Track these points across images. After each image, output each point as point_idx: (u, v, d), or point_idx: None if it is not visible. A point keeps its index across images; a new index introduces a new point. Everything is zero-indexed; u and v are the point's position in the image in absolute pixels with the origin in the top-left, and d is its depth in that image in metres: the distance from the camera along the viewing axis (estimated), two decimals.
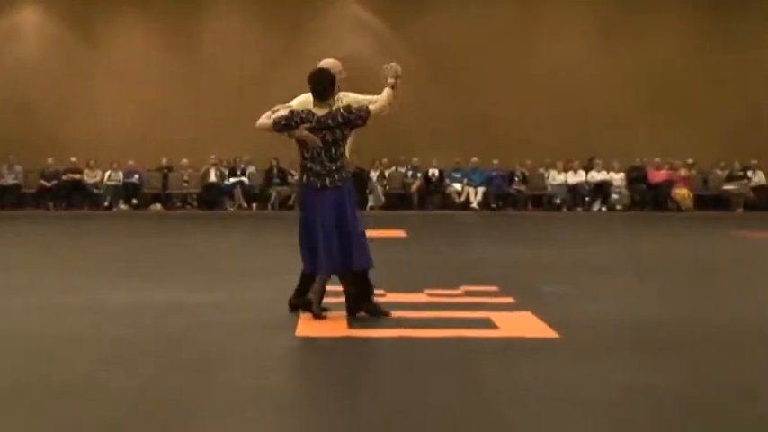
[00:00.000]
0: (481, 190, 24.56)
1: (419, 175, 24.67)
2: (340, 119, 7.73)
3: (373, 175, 24.62)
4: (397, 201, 24.59)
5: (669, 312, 8.29)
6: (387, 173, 24.80)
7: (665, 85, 25.08)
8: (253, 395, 5.33)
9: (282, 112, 7.91)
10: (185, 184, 24.53)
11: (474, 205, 24.38)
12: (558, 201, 24.60)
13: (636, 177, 24.73)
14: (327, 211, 7.67)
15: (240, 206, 24.08)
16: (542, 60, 25.40)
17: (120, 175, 24.33)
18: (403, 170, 24.99)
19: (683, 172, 24.59)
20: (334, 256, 7.64)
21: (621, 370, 6.03)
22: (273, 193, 24.17)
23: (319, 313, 7.66)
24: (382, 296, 8.86)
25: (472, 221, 20.94)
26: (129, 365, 6.10)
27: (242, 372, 5.93)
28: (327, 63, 8.17)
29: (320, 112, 7.77)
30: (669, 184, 24.49)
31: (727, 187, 24.76)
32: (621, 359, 6.39)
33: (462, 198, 24.56)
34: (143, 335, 7.12)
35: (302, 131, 7.74)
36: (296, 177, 8.20)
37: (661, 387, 5.57)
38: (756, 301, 9.16)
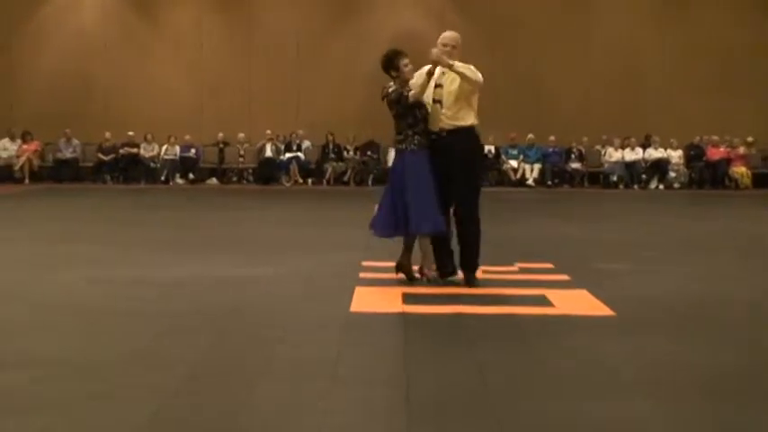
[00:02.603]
0: (537, 167, 24.44)
1: None
2: (392, 98, 8.30)
3: None
4: None
5: (724, 291, 8.24)
6: None
7: (725, 60, 24.71)
8: (309, 368, 5.39)
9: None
10: (241, 159, 24.69)
11: (530, 182, 24.27)
12: (614, 178, 24.40)
13: (694, 155, 24.46)
14: (394, 176, 8.37)
15: (296, 181, 24.18)
16: (601, 34, 25.16)
17: (177, 149, 24.52)
18: None
19: (741, 150, 24.27)
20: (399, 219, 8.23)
21: (676, 349, 6.02)
22: (329, 168, 24.25)
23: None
24: (437, 271, 8.90)
25: (528, 198, 20.86)
26: (187, 338, 6.20)
27: (298, 345, 6.00)
28: (442, 36, 8.64)
29: (391, 87, 8.37)
30: (727, 161, 24.20)
31: None
32: (676, 338, 6.37)
33: (518, 175, 24.46)
34: (201, 308, 7.22)
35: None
36: None
37: (714, 366, 5.56)
38: None
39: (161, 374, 5.25)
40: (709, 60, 24.74)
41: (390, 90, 8.30)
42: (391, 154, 24.43)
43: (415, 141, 8.20)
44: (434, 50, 8.28)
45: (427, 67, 8.26)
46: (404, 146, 8.26)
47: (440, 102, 8.28)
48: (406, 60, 8.35)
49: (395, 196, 8.26)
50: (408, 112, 8.20)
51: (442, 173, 8.15)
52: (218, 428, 4.37)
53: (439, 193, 8.11)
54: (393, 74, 8.36)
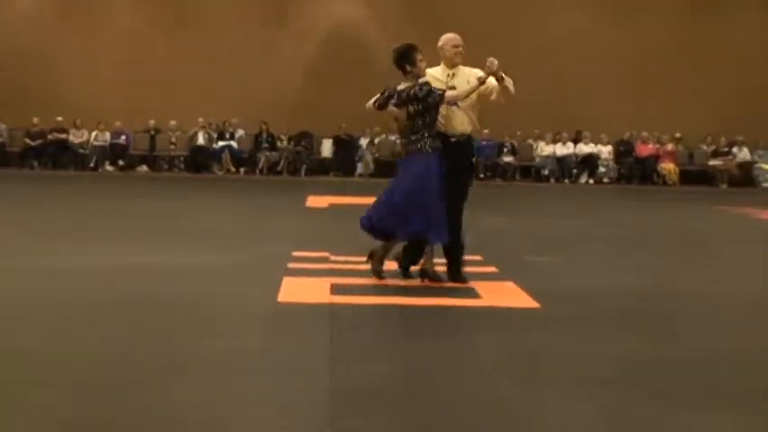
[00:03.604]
0: None
1: None
2: (413, 94, 7.85)
3: (363, 141, 24.59)
4: (387, 168, 24.53)
5: (648, 284, 8.36)
6: (377, 140, 24.76)
7: (655, 59, 25.04)
8: (233, 360, 5.36)
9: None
10: (173, 147, 24.46)
11: None
12: (545, 172, 24.63)
13: (623, 151, 24.79)
14: (406, 179, 7.90)
15: (228, 170, 24.03)
16: (534, 32, 25.32)
17: (107, 135, 24.23)
18: (393, 138, 24.93)
19: (669, 146, 24.65)
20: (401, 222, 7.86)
21: (599, 341, 6.09)
22: (262, 157, 24.13)
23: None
24: (367, 263, 8.91)
25: None
26: (107, 329, 6.11)
27: (223, 336, 5.96)
28: (445, 38, 8.38)
29: (402, 86, 7.98)
30: (656, 158, 24.56)
31: (713, 163, 24.84)
32: (600, 331, 6.45)
33: None
34: (123, 299, 7.12)
35: (392, 107, 8.00)
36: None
37: (636, 359, 5.64)
38: (734, 274, 9.25)
39: (77, 368, 5.16)
40: (640, 59, 25.03)
41: (416, 85, 7.85)
42: (326, 144, 24.69)
43: (429, 143, 7.88)
44: (493, 59, 8.10)
45: (478, 75, 8.07)
46: (419, 146, 7.86)
47: (456, 105, 8.07)
48: (420, 55, 8.03)
49: (402, 196, 7.89)
50: (427, 112, 7.87)
51: (446, 177, 7.91)
52: (137, 422, 4.32)
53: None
54: (408, 68, 7.95)
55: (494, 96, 8.20)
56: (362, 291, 7.53)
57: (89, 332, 6.02)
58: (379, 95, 8.12)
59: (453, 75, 8.12)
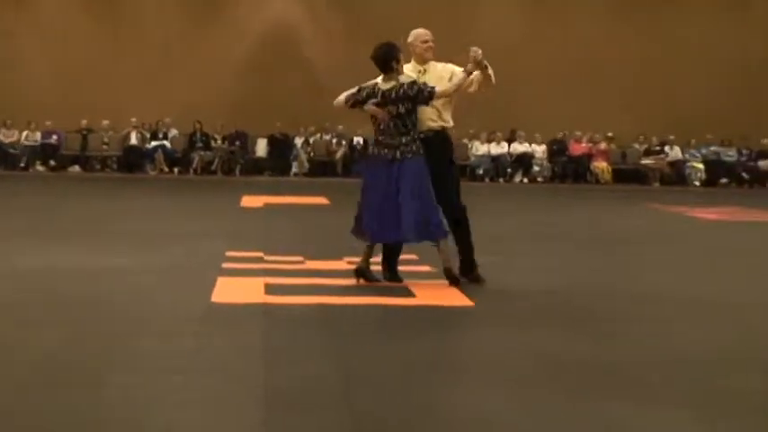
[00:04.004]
0: None
1: (344, 142, 24.63)
2: (402, 93, 7.71)
3: (298, 141, 24.53)
4: (322, 168, 24.55)
5: (585, 283, 8.43)
6: (311, 139, 24.71)
7: (588, 58, 25.28)
8: (164, 361, 5.30)
9: (353, 89, 7.96)
10: (105, 147, 24.17)
11: None
12: (480, 171, 24.77)
13: (557, 150, 25.03)
14: (396, 182, 7.69)
15: (161, 170, 23.82)
16: (468, 30, 25.41)
17: (38, 135, 23.89)
18: (328, 137, 24.93)
19: (602, 145, 24.93)
20: (409, 225, 7.68)
21: (532, 339, 6.13)
22: (196, 157, 23.94)
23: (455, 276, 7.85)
24: (302, 263, 8.90)
25: None
26: (36, 331, 6.01)
27: (155, 337, 5.89)
28: (415, 33, 8.24)
29: (385, 85, 7.80)
30: (589, 157, 24.82)
31: (645, 161, 25.17)
32: (533, 329, 6.49)
33: None
34: (54, 299, 7.02)
35: (370, 106, 7.78)
36: (369, 149, 8.22)
37: (570, 357, 5.68)
38: (669, 272, 9.37)
39: (3, 369, 5.07)
40: (574, 58, 25.26)
41: (403, 84, 7.70)
42: (260, 144, 24.58)
43: (417, 144, 7.77)
44: (477, 49, 7.95)
45: (465, 67, 7.97)
46: (413, 147, 7.71)
47: None
48: (401, 54, 7.93)
49: (388, 199, 7.72)
50: (415, 111, 7.76)
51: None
52: (65, 425, 4.24)
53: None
54: (394, 66, 7.81)
55: (473, 88, 8.05)
56: (296, 291, 7.49)
57: (17, 333, 5.92)
58: (352, 92, 7.94)
59: (425, 71, 8.03)
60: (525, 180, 24.64)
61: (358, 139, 24.63)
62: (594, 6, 25.90)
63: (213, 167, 24.02)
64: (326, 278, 8.06)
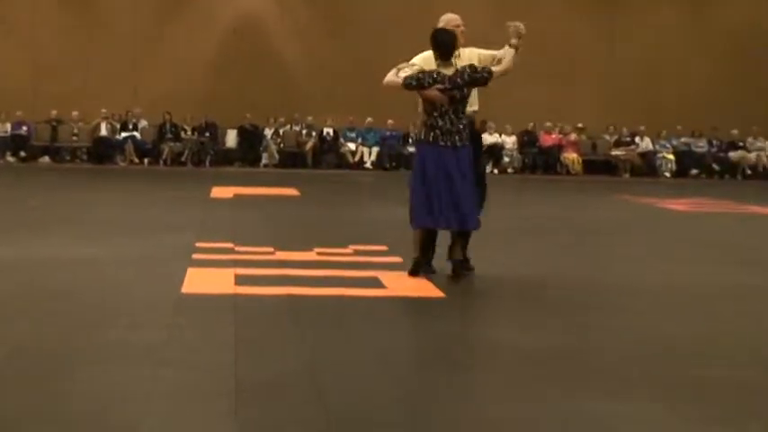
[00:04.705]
0: (375, 150, 24.60)
1: (314, 133, 24.58)
2: (467, 77, 7.70)
3: (267, 132, 24.46)
4: (291, 159, 24.49)
5: (554, 274, 8.45)
6: (281, 131, 24.64)
7: (557, 49, 25.31)
8: (134, 352, 5.28)
9: (409, 70, 7.84)
10: (75, 138, 24.00)
11: (368, 165, 24.42)
12: None
13: (527, 141, 25.07)
14: (457, 169, 7.66)
15: (131, 161, 23.68)
16: (437, 21, 25.41)
17: (8, 126, 23.70)
18: (297, 128, 24.87)
19: (572, 136, 25.00)
20: (463, 213, 7.65)
21: (503, 330, 6.15)
22: (166, 148, 23.82)
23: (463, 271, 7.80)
24: (272, 254, 8.87)
25: (365, 181, 20.98)
26: (5, 322, 5.98)
27: (125, 328, 5.86)
28: (446, 18, 8.18)
29: (447, 71, 7.74)
30: (559, 148, 24.89)
31: (615, 152, 25.26)
32: (504, 319, 6.51)
33: (356, 158, 24.57)
34: (21, 291, 6.98)
35: (433, 91, 7.69)
36: (416, 134, 8.03)
37: (541, 348, 5.70)
38: (637, 263, 9.41)
39: None
40: (545, 49, 25.29)
41: (466, 68, 7.70)
42: (230, 135, 24.49)
43: (468, 130, 7.81)
44: (519, 23, 8.01)
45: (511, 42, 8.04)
46: (467, 133, 7.76)
47: None
48: None
49: (442, 185, 7.67)
50: (469, 96, 7.81)
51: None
52: (34, 418, 4.21)
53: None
54: (455, 53, 7.83)
55: (502, 67, 7.98)
56: (267, 281, 7.47)
57: None
58: (410, 74, 7.76)
59: (458, 55, 7.97)
60: (495, 171, 24.66)
61: (328, 130, 24.61)
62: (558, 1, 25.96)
63: (183, 158, 23.90)
64: (297, 269, 8.05)
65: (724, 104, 25.35)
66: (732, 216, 15.18)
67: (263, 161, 24.27)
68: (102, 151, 23.75)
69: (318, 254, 8.96)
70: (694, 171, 25.24)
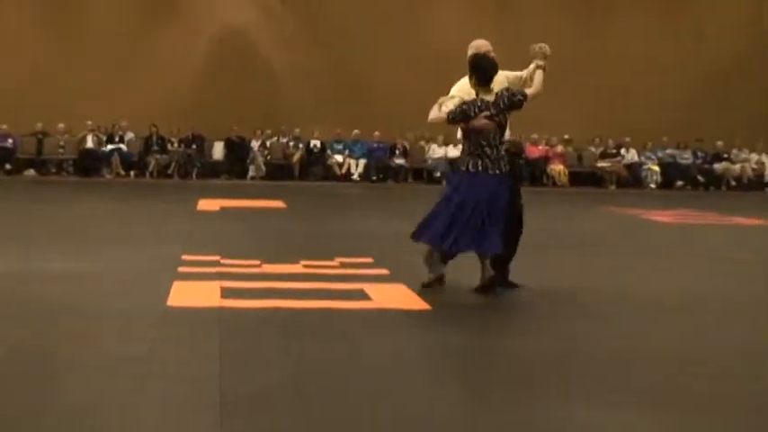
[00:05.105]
0: (362, 162, 24.63)
1: (301, 145, 24.59)
2: (507, 101, 7.69)
3: (254, 144, 24.46)
4: (278, 171, 24.48)
5: (540, 285, 8.47)
6: (268, 143, 24.65)
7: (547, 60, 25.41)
8: (120, 365, 5.28)
9: (451, 104, 7.82)
10: (61, 150, 23.95)
11: (355, 177, 24.44)
12: (438, 174, 24.79)
13: (513, 152, 25.05)
14: (498, 195, 7.72)
15: (117, 174, 23.64)
16: (426, 33, 25.51)
17: None
18: (284, 140, 24.88)
19: (559, 148, 25.07)
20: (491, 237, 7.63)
21: (488, 340, 6.17)
22: (152, 161, 23.79)
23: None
24: (258, 266, 8.88)
25: (352, 193, 21.00)
26: None
27: (111, 341, 5.87)
28: (477, 44, 8.15)
29: (489, 97, 7.73)
30: (545, 159, 24.95)
31: (601, 164, 25.34)
32: (490, 329, 6.54)
33: (343, 170, 24.59)
34: (6, 303, 6.97)
35: (481, 120, 7.65)
36: (461, 163, 8.05)
37: (523, 356, 5.72)
38: (623, 274, 9.45)
39: None
40: (529, 61, 25.35)
41: (503, 93, 7.72)
42: (217, 147, 24.48)
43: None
44: (542, 45, 8.08)
45: (536, 63, 8.11)
46: (506, 159, 7.85)
47: None
48: None
49: (480, 212, 7.67)
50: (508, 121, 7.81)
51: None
52: (16, 429, 4.22)
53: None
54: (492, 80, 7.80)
55: (534, 89, 7.99)
56: (253, 294, 7.48)
57: None
58: (453, 109, 7.75)
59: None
60: None
61: (315, 143, 24.62)
62: (550, 8, 26.06)
63: (170, 171, 23.87)
64: (283, 282, 8.05)
65: (709, 116, 25.48)
66: (717, 227, 15.25)
67: (250, 173, 24.27)
68: (89, 164, 23.70)
69: (305, 266, 8.97)
70: (679, 182, 25.33)
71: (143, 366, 5.25)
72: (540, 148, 25.02)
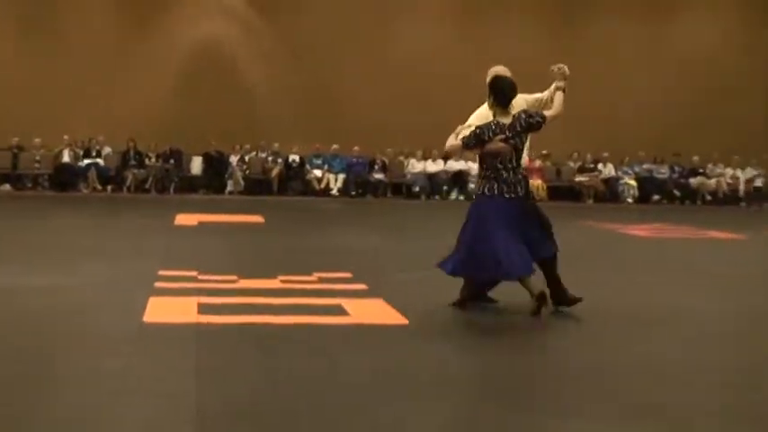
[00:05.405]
0: (341, 177, 24.61)
1: (279, 160, 24.56)
2: (524, 123, 7.63)
3: (233, 159, 24.41)
4: (257, 186, 24.44)
5: (516, 299, 8.45)
6: (247, 157, 24.61)
7: (521, 74, 25.44)
8: (95, 380, 5.25)
9: (466, 131, 7.77)
10: (37, 165, 23.82)
11: (334, 192, 24.42)
12: (416, 189, 24.84)
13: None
14: (519, 219, 7.66)
15: (94, 188, 23.52)
16: (402, 47, 25.55)
17: None
18: (263, 155, 24.84)
19: (537, 163, 25.12)
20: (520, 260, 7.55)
21: (465, 355, 6.16)
22: (129, 175, 23.70)
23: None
24: (235, 282, 8.84)
25: (331, 208, 20.97)
26: None
27: (86, 356, 5.83)
28: (497, 69, 8.13)
29: (506, 120, 7.66)
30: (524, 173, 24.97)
31: (579, 179, 25.43)
32: (466, 344, 6.52)
33: (322, 185, 24.56)
34: None
35: (497, 144, 7.60)
36: (477, 188, 8.03)
37: (502, 371, 5.71)
38: (599, 288, 9.45)
39: None
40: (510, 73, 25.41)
41: (521, 115, 7.67)
42: (195, 162, 24.41)
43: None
44: (561, 65, 8.07)
45: (555, 84, 8.09)
46: (525, 182, 7.80)
47: None
48: None
49: (509, 235, 7.59)
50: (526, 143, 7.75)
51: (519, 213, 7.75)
52: None
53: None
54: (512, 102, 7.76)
55: (554, 111, 7.99)
56: (230, 310, 7.44)
57: None
58: (468, 134, 7.74)
59: (512, 105, 7.89)
60: (461, 197, 24.75)
61: (294, 157, 24.59)
62: (524, 21, 26.15)
63: (147, 186, 23.78)
64: (260, 297, 8.02)
65: (685, 131, 25.64)
66: (693, 241, 15.30)
67: (229, 188, 24.21)
68: (65, 178, 23.57)
69: (282, 281, 8.94)
70: (656, 197, 25.45)
71: (119, 382, 5.22)
72: None
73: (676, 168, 25.91)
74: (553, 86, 8.11)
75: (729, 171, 26.16)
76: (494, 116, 7.73)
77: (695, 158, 25.80)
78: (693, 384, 5.62)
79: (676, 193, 25.59)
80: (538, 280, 7.76)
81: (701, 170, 25.89)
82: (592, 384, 5.54)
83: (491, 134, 7.60)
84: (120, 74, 24.53)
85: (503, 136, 7.59)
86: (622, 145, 25.38)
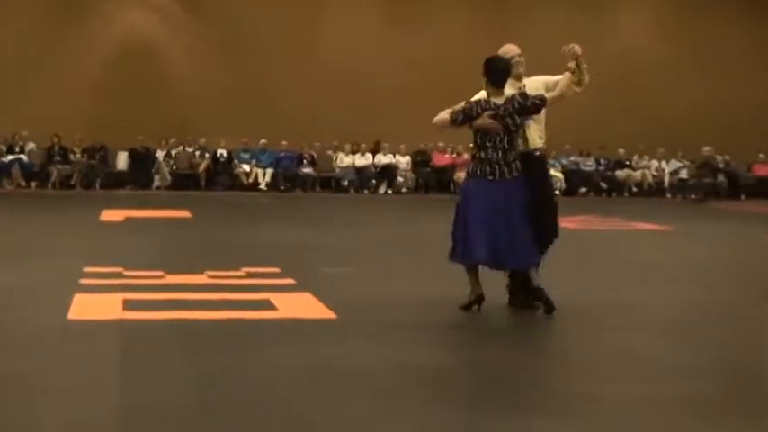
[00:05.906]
0: (270, 171, 24.50)
1: (207, 155, 24.37)
2: (517, 106, 7.46)
3: (160, 154, 24.17)
4: (184, 181, 24.22)
5: (443, 294, 8.47)
6: (174, 152, 24.37)
7: (448, 69, 25.54)
8: (13, 380, 5.14)
9: (457, 106, 7.65)
10: None
11: (262, 186, 24.30)
12: (345, 183, 24.83)
13: (420, 161, 25.27)
14: (505, 205, 7.42)
15: (18, 185, 23.12)
16: (330, 42, 25.51)
17: None
18: (190, 150, 24.62)
19: (465, 156, 25.23)
20: (515, 249, 7.38)
21: (393, 351, 6.15)
22: (54, 171, 23.34)
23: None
24: (162, 277, 8.75)
25: (260, 203, 20.87)
26: None
27: (6, 356, 5.71)
28: (505, 48, 7.93)
29: (498, 99, 7.49)
30: (452, 167, 25.12)
31: None
32: (395, 340, 6.51)
33: (250, 179, 24.43)
34: None
35: (485, 119, 7.45)
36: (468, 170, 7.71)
37: (429, 367, 5.72)
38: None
39: None
40: (434, 69, 25.51)
41: (517, 96, 7.49)
42: (121, 157, 24.13)
43: (518, 162, 7.55)
44: (573, 45, 7.83)
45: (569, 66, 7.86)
46: (519, 165, 7.49)
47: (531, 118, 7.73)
48: None
49: (478, 219, 7.44)
50: (522, 126, 7.59)
51: (531, 201, 7.49)
52: None
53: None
54: (521, 84, 7.66)
55: (556, 92, 7.82)
56: (155, 306, 7.35)
57: None
58: (458, 109, 7.65)
59: (523, 86, 7.79)
60: (390, 191, 24.80)
61: (221, 152, 24.43)
62: (452, 15, 26.27)
63: (72, 181, 23.44)
64: (187, 293, 7.94)
65: (610, 124, 25.96)
66: (620, 233, 15.50)
67: (156, 183, 23.97)
68: None
69: (210, 277, 8.86)
70: (583, 189, 25.73)
71: (41, 381, 5.13)
72: (447, 156, 25.20)
73: (602, 161, 26.24)
74: (569, 65, 7.92)
75: (654, 163, 26.56)
76: (488, 96, 7.62)
77: (621, 151, 26.15)
78: (644, 377, 5.68)
79: (603, 185, 25.91)
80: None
81: (626, 162, 26.26)
82: (533, 379, 5.56)
83: (479, 110, 7.51)
84: (44, 70, 24.14)
85: (491, 112, 7.47)
86: (548, 138, 25.51)
